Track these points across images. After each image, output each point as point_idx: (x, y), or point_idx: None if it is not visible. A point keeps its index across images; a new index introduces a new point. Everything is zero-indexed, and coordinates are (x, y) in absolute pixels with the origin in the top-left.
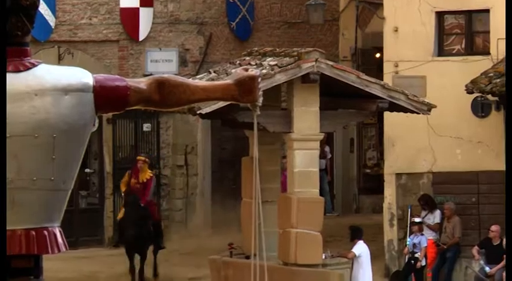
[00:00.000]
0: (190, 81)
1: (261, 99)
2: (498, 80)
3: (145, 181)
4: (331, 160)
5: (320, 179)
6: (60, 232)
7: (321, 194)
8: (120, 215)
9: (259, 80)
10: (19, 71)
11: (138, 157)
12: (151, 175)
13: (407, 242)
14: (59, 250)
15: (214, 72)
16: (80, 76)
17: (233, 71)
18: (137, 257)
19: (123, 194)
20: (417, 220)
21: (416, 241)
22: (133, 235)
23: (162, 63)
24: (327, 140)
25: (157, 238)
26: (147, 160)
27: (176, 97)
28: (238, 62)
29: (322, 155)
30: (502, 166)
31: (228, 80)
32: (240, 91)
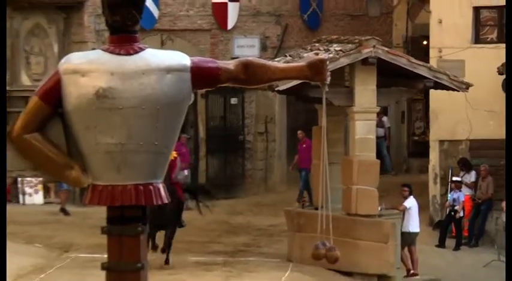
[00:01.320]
0: (270, 63)
1: (328, 79)
2: None
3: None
4: (388, 129)
5: (380, 145)
6: (163, 187)
7: (381, 157)
8: None
9: (327, 62)
10: (130, 54)
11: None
12: (176, 156)
13: (448, 198)
14: (162, 202)
15: (290, 56)
16: (179, 59)
17: (305, 55)
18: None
19: None
20: (456, 179)
21: (455, 196)
22: (156, 210)
23: (247, 48)
24: (385, 112)
25: (178, 217)
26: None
27: (259, 76)
28: (309, 47)
29: (381, 125)
30: None
31: (301, 63)
32: (311, 72)
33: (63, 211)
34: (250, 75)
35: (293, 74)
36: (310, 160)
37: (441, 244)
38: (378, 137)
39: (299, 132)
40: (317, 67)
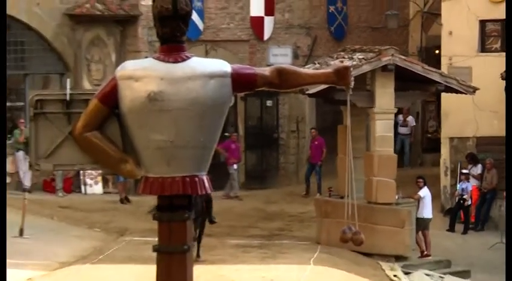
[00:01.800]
0: (301, 70)
1: (352, 83)
2: None
3: None
4: (413, 128)
5: (404, 142)
6: (207, 178)
7: (403, 153)
8: None
9: (351, 69)
10: (177, 61)
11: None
12: None
13: (458, 188)
14: (206, 192)
15: (318, 63)
16: (221, 66)
17: (332, 62)
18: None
19: None
20: (465, 171)
21: (464, 186)
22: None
23: (280, 57)
24: (409, 113)
25: (208, 213)
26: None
27: (290, 82)
28: (335, 56)
29: (406, 124)
30: None
31: (328, 69)
32: (337, 77)
33: (126, 199)
34: (283, 80)
35: (321, 79)
36: (320, 156)
37: (451, 229)
38: (403, 134)
39: (312, 130)
40: (342, 73)
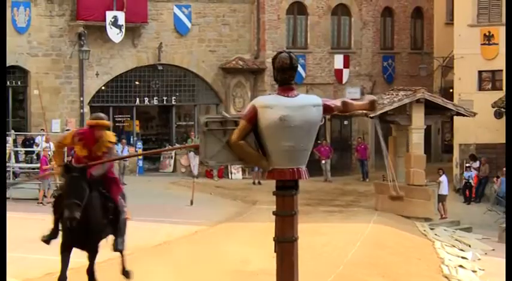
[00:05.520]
0: (353, 102)
1: (377, 110)
2: (504, 102)
3: None
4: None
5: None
6: (306, 170)
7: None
8: None
9: (377, 101)
10: (292, 96)
11: None
12: (105, 151)
13: (464, 175)
14: (306, 178)
15: (376, 98)
16: (318, 100)
17: (367, 96)
18: None
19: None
20: (468, 165)
21: (468, 175)
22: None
23: (352, 94)
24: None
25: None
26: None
27: (349, 109)
28: (387, 93)
29: None
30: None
31: (365, 101)
32: (370, 106)
33: (259, 183)
34: (345, 108)
35: (362, 107)
36: (365, 154)
37: (466, 201)
38: None
39: (359, 138)
40: (372, 103)
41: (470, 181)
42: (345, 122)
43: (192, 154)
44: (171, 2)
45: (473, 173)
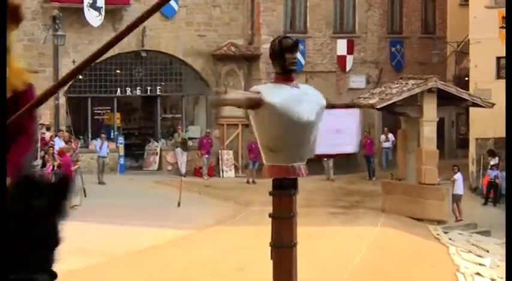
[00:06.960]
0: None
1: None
2: None
3: None
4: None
5: (387, 153)
6: (304, 167)
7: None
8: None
9: None
10: (294, 86)
11: None
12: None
13: (489, 173)
14: (303, 176)
15: (383, 87)
16: (323, 100)
17: (393, 87)
18: None
19: None
20: (493, 162)
21: (494, 174)
22: None
23: (357, 83)
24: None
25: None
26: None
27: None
28: (395, 82)
29: (387, 140)
30: None
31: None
32: None
33: (253, 182)
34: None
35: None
36: (372, 149)
37: (485, 203)
38: (386, 148)
39: (365, 132)
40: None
41: (496, 180)
42: None
43: (179, 150)
44: None
45: (499, 172)
